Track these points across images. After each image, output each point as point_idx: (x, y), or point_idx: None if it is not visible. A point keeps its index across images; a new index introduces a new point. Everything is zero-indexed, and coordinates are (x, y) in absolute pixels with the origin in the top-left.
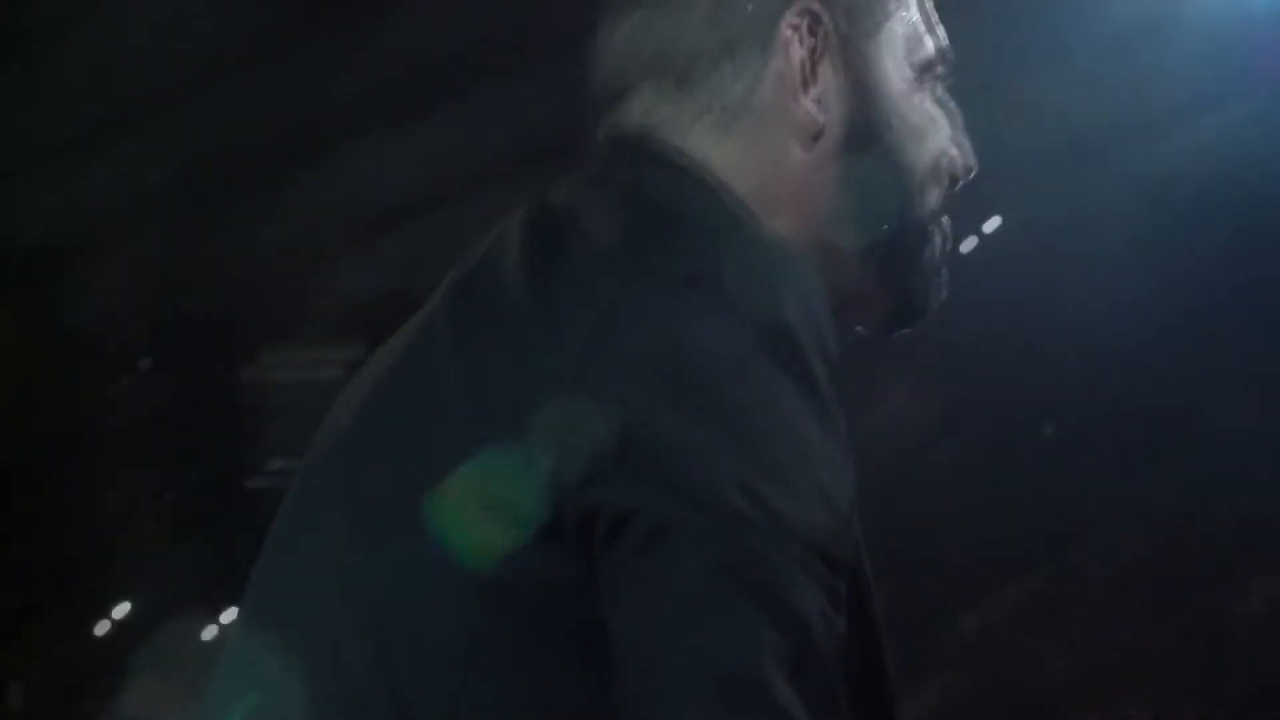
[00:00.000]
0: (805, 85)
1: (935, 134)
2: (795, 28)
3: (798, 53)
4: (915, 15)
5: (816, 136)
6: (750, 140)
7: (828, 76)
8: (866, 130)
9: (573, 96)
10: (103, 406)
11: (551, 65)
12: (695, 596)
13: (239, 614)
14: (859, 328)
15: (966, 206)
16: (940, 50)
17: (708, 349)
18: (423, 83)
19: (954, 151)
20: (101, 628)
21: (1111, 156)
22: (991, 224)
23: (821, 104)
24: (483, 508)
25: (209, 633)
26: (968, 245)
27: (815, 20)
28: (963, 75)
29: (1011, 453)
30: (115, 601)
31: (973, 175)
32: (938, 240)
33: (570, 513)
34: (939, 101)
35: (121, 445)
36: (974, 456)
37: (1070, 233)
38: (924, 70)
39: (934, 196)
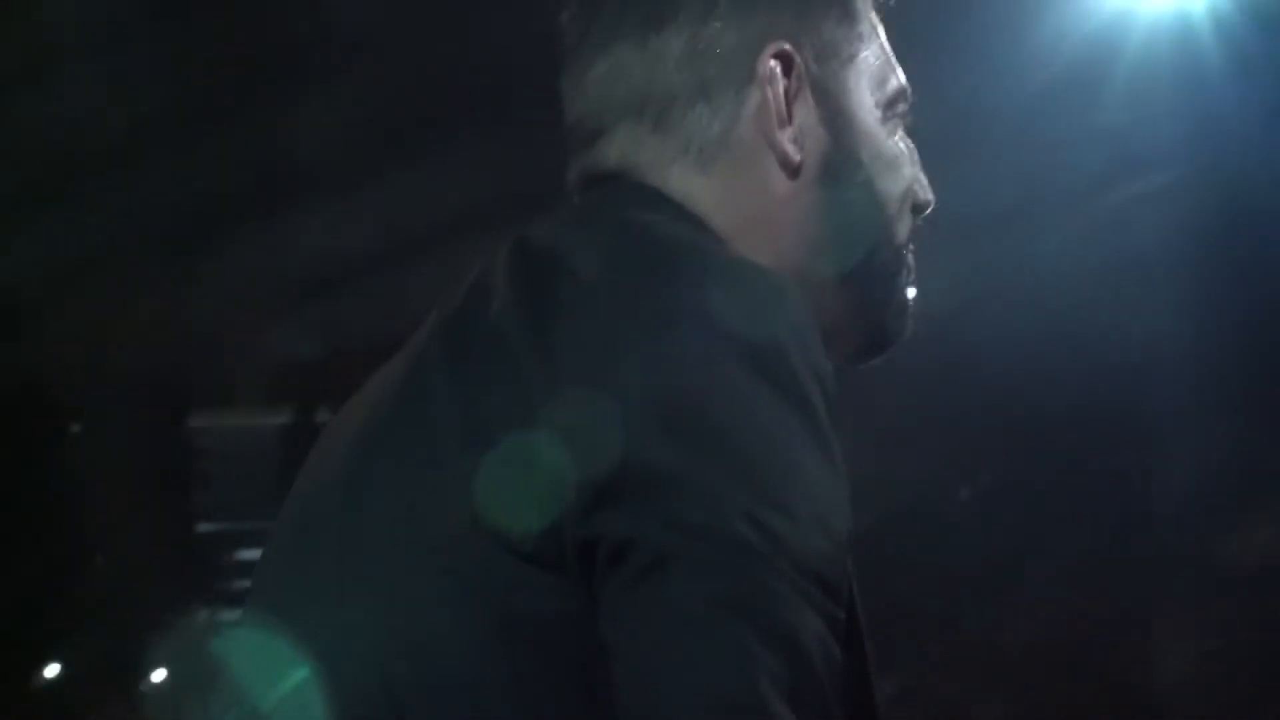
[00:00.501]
0: (782, 123)
1: (904, 166)
2: (771, 68)
3: (774, 92)
4: (879, 52)
5: (794, 172)
6: (728, 178)
7: (802, 113)
8: (842, 164)
9: (502, 168)
10: (38, 465)
11: (481, 137)
12: (694, 623)
13: (232, 641)
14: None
15: None
16: (903, 86)
17: (704, 379)
18: (355, 153)
19: (920, 183)
20: (35, 683)
21: (1031, 225)
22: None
23: (798, 140)
24: (482, 541)
25: (141, 689)
26: None
27: (789, 59)
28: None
29: (929, 514)
30: (47, 659)
31: (931, 209)
32: (907, 269)
33: (571, 543)
34: (903, 136)
35: (55, 503)
36: (891, 518)
37: (987, 300)
38: (890, 105)
39: (904, 226)
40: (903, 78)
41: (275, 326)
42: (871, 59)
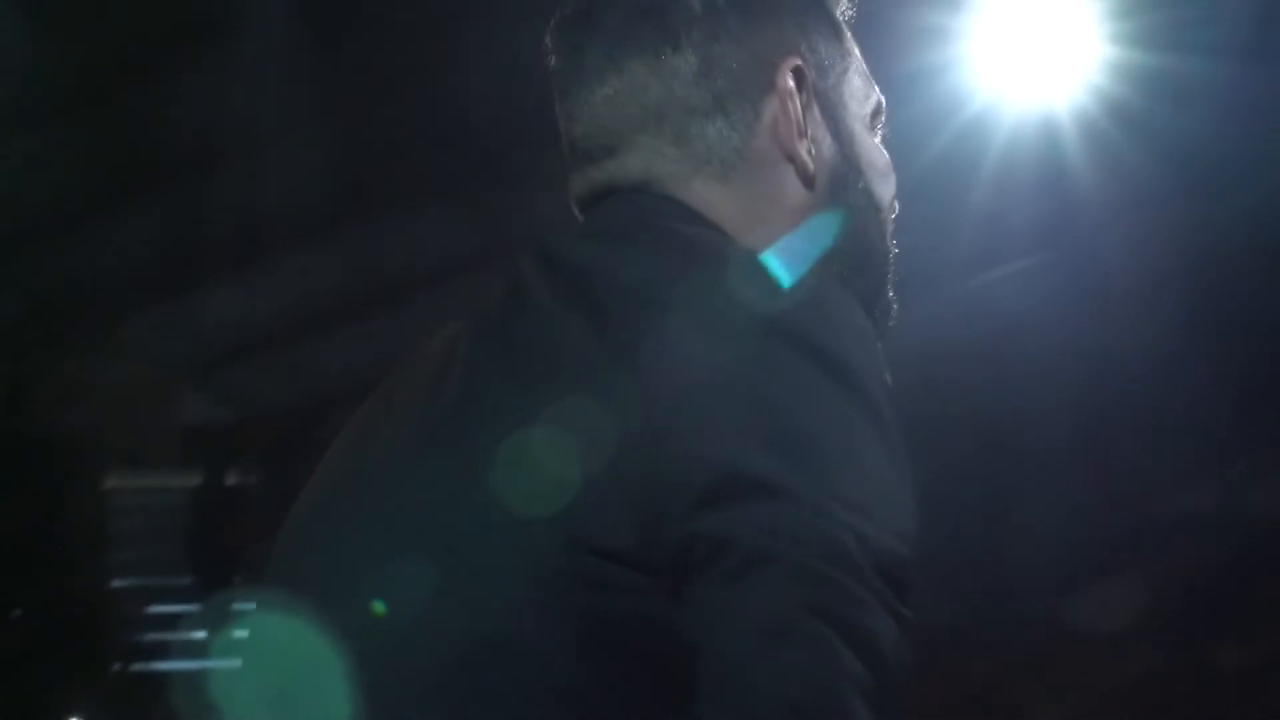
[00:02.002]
0: (801, 134)
1: (890, 173)
2: (789, 82)
3: (792, 105)
4: (861, 67)
5: (809, 181)
6: (747, 188)
7: (811, 125)
8: (846, 172)
9: (406, 245)
10: None
11: (384, 214)
12: (785, 624)
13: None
14: None
15: None
16: (881, 99)
17: (793, 389)
18: (264, 228)
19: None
20: None
21: (902, 301)
22: None
23: (811, 151)
24: (565, 542)
25: None
26: None
27: (802, 73)
28: None
29: None
30: None
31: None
32: (892, 268)
33: (663, 545)
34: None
35: None
36: None
37: None
38: (874, 115)
39: (892, 227)
40: (879, 92)
41: (187, 393)
42: (856, 74)
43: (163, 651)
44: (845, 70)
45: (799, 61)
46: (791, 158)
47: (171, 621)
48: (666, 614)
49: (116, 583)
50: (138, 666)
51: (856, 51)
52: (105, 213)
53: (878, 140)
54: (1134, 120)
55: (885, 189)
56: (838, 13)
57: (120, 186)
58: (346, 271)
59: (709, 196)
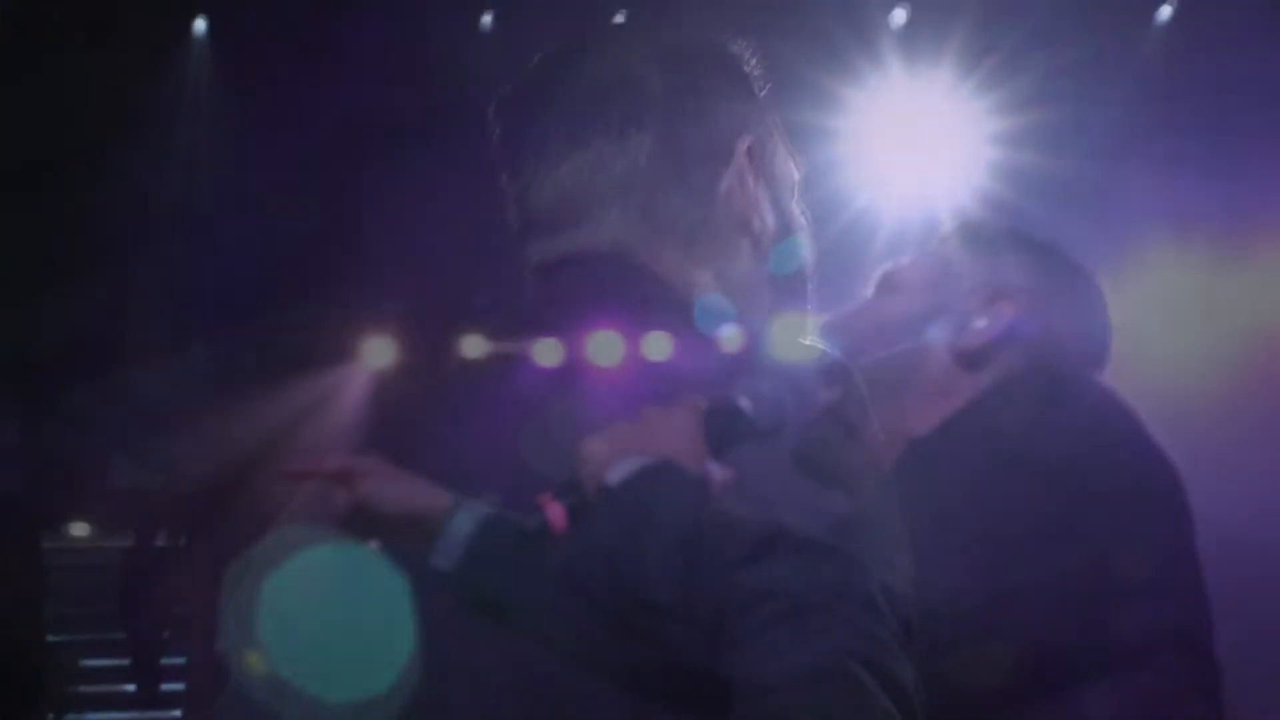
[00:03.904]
0: (754, 206)
1: (810, 236)
2: (744, 158)
3: (748, 178)
4: (785, 141)
5: (758, 247)
6: (706, 254)
7: (760, 194)
8: (783, 235)
9: (326, 322)
10: None
11: (309, 294)
12: (827, 668)
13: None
14: None
15: None
16: (800, 169)
17: (819, 452)
18: (190, 308)
19: None
20: None
21: None
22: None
23: (761, 219)
24: (618, 601)
25: None
26: None
27: (754, 150)
28: None
29: None
30: None
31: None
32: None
33: (704, 602)
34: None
35: None
36: None
37: None
38: (795, 183)
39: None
40: (799, 160)
41: (120, 458)
42: (782, 144)
43: (95, 703)
44: (776, 146)
45: (751, 138)
46: (746, 226)
47: (103, 674)
48: (706, 661)
49: (51, 637)
50: (70, 718)
51: (779, 123)
52: (43, 288)
53: (798, 206)
54: (1009, 216)
55: (811, 249)
56: (759, 87)
57: (57, 264)
58: (269, 347)
59: (675, 265)
